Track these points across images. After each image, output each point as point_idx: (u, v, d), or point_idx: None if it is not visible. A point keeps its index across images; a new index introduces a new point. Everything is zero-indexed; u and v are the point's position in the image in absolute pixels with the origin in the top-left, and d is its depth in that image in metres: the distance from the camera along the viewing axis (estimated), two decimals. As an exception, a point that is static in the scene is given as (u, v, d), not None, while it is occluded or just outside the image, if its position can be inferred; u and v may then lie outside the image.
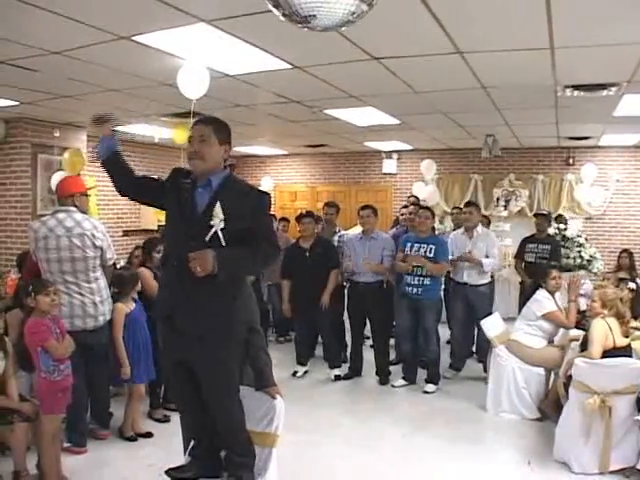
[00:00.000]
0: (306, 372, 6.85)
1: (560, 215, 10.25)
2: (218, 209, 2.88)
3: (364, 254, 6.44)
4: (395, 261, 6.35)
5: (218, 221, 2.85)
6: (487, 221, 8.41)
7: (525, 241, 7.92)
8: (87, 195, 5.01)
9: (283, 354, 7.30)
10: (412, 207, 7.36)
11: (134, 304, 4.91)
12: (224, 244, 2.84)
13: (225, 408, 3.10)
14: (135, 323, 4.83)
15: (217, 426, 3.13)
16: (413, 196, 9.61)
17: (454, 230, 7.78)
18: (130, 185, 3.20)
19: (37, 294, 3.92)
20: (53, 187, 7.70)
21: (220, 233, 2.85)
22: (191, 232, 2.89)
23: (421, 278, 6.14)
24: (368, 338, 7.24)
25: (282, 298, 6.86)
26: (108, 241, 4.73)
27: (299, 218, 6.89)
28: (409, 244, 6.27)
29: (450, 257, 6.49)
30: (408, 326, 6.34)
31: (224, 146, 3.04)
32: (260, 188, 3.37)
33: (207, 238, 2.85)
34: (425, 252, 6.15)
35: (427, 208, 6.77)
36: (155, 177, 3.31)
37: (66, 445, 4.45)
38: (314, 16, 2.35)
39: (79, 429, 4.56)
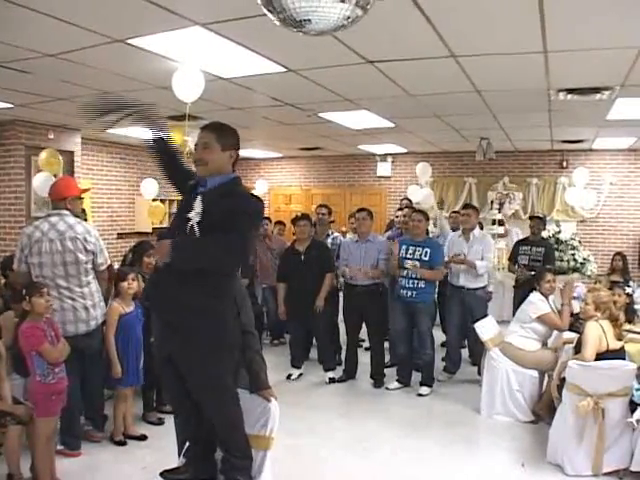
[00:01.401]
0: (300, 375, 6.85)
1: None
2: (198, 202, 2.94)
3: (360, 257, 6.45)
4: (392, 263, 6.34)
5: (195, 214, 2.90)
6: (480, 225, 8.40)
7: (518, 244, 7.95)
8: (80, 198, 5.00)
9: (277, 357, 7.29)
10: (406, 210, 7.37)
11: (132, 306, 4.87)
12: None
13: (215, 410, 3.09)
14: (128, 326, 4.79)
15: (215, 429, 3.13)
16: (406, 199, 9.62)
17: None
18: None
19: (31, 296, 3.91)
20: (36, 188, 7.66)
21: (196, 226, 2.88)
22: (179, 229, 2.96)
23: (415, 281, 6.14)
24: (363, 341, 7.25)
25: (278, 301, 6.86)
26: (101, 246, 4.71)
27: (295, 220, 6.88)
28: (404, 247, 6.28)
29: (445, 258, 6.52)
30: (403, 329, 6.35)
31: (228, 152, 3.07)
32: (255, 193, 3.41)
33: (187, 230, 2.89)
34: (420, 255, 6.15)
35: (421, 211, 6.78)
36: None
37: (60, 448, 4.44)
38: (309, 20, 2.36)
39: (73, 432, 4.55)
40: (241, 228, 2.88)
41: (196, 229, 2.88)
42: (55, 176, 7.61)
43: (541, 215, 8.97)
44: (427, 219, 6.55)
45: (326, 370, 6.71)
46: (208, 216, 2.90)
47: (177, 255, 2.80)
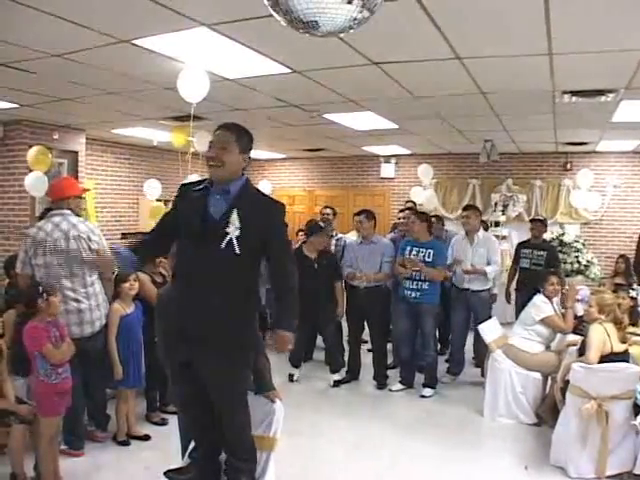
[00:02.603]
0: (299, 373, 6.87)
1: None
2: (235, 217, 2.90)
3: (364, 259, 6.46)
4: (396, 265, 6.33)
5: (234, 229, 2.86)
6: (485, 226, 8.38)
7: (520, 246, 7.92)
8: (81, 197, 4.99)
9: (280, 358, 7.25)
10: (407, 212, 7.36)
11: (132, 307, 4.87)
12: (238, 252, 2.85)
13: (233, 412, 3.10)
14: (130, 326, 4.79)
15: (223, 429, 3.12)
16: (410, 201, 9.62)
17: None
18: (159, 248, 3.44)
19: (49, 295, 3.92)
20: (27, 187, 7.62)
21: (235, 241, 2.86)
22: (207, 239, 2.88)
23: (420, 282, 6.14)
24: (365, 342, 7.25)
25: None
26: (103, 244, 4.72)
27: (318, 229, 6.68)
28: (408, 248, 6.28)
29: (449, 262, 6.52)
30: (406, 330, 6.35)
31: (243, 155, 3.05)
32: (275, 198, 3.35)
33: (223, 245, 2.85)
34: (424, 257, 6.15)
35: (423, 213, 6.78)
36: (168, 213, 3.33)
37: (63, 448, 4.44)
38: (316, 22, 2.35)
39: (76, 432, 4.55)
40: (287, 244, 3.20)
41: (235, 243, 2.87)
42: (47, 173, 7.58)
43: (542, 218, 8.96)
44: (428, 221, 6.50)
45: (333, 372, 6.71)
46: (247, 230, 2.90)
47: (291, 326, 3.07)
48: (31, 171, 7.66)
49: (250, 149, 3.11)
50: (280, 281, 3.09)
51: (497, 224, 10.82)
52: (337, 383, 6.64)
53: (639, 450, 4.18)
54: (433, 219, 7.72)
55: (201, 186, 3.05)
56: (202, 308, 2.91)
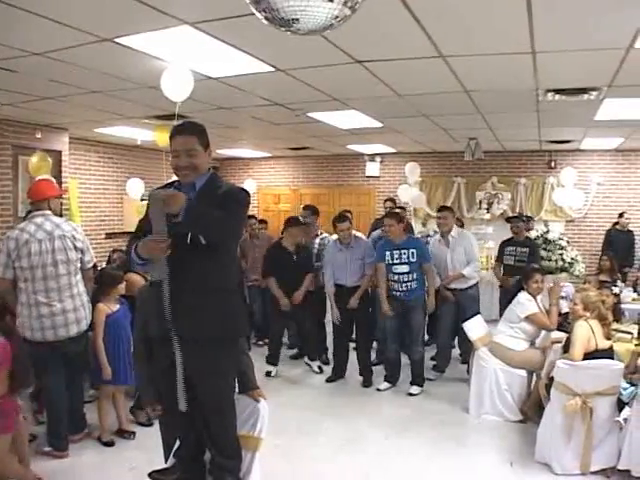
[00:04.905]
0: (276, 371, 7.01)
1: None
2: None
3: (345, 265, 6.55)
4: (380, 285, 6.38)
5: None
6: (460, 224, 8.37)
7: (504, 244, 7.95)
8: (60, 198, 4.95)
9: (263, 357, 7.26)
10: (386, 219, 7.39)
11: (117, 305, 4.87)
12: (204, 242, 2.81)
13: (221, 410, 3.08)
14: (117, 325, 4.80)
15: (209, 428, 3.10)
16: (389, 199, 9.56)
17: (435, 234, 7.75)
18: None
19: None
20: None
21: None
22: (175, 238, 2.82)
23: (408, 284, 6.17)
24: (351, 341, 7.25)
25: (276, 295, 6.80)
26: (87, 243, 4.70)
27: (294, 222, 7.02)
28: (388, 252, 6.25)
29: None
30: (395, 328, 6.36)
31: (208, 150, 3.03)
32: (240, 186, 3.29)
33: (188, 240, 2.81)
34: (408, 257, 6.16)
35: (396, 213, 6.80)
36: (142, 219, 3.14)
37: (47, 449, 4.41)
38: (297, 20, 2.35)
39: (59, 433, 4.51)
40: (234, 210, 2.93)
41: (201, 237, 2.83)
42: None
43: (517, 214, 9.09)
44: (402, 221, 6.52)
45: (311, 359, 7.06)
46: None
47: (189, 212, 2.64)
48: (16, 173, 7.65)
49: (209, 142, 3.05)
50: (214, 213, 2.82)
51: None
52: (320, 369, 6.98)
53: (623, 446, 4.20)
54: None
55: (172, 188, 3.01)
56: (181, 306, 2.88)
